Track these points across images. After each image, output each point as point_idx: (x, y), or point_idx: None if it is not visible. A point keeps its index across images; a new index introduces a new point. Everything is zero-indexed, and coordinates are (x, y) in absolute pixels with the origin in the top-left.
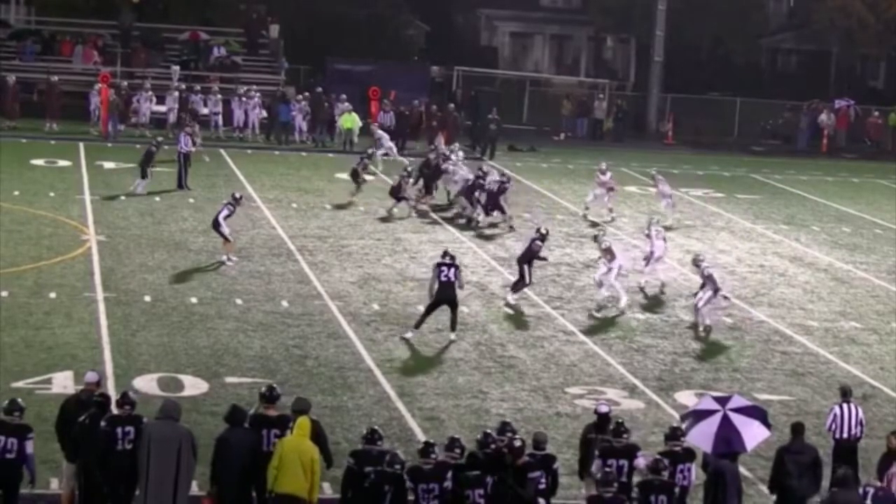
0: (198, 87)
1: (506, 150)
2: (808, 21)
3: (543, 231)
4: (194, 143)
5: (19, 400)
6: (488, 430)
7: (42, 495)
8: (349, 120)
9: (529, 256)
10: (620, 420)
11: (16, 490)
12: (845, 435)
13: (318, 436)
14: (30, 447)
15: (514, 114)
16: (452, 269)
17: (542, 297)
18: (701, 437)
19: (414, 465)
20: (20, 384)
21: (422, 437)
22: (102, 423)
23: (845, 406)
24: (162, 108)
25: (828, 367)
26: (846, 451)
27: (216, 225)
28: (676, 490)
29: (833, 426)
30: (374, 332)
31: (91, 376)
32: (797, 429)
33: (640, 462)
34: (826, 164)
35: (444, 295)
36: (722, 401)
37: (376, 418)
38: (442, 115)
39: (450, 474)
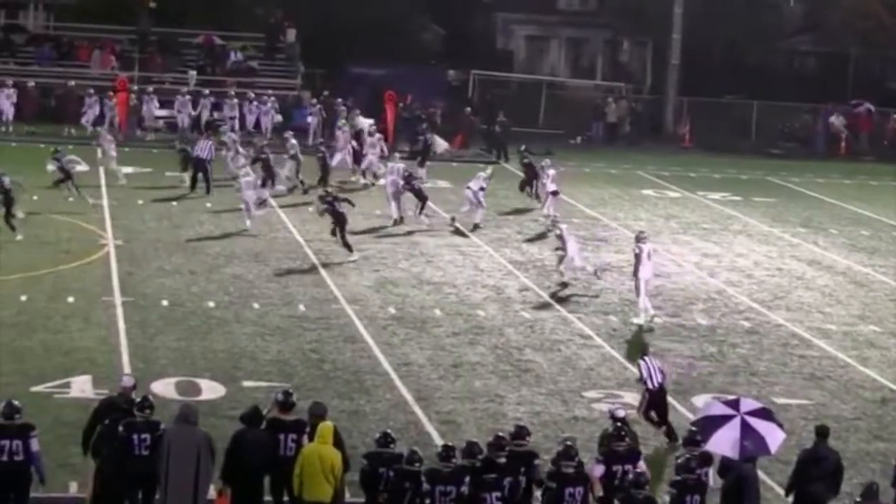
0: (206, 91)
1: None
2: (824, 23)
3: None
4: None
5: (15, 402)
6: (501, 434)
7: (60, 498)
8: (359, 124)
9: None
10: (620, 424)
11: (27, 492)
12: (656, 384)
13: (337, 443)
14: (35, 445)
15: (531, 117)
16: None
17: (559, 301)
18: (724, 444)
19: (432, 468)
20: (39, 388)
21: (439, 441)
22: (119, 429)
23: (647, 359)
24: (167, 113)
25: (846, 370)
26: (660, 399)
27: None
28: (708, 489)
29: (646, 377)
30: (391, 336)
31: (127, 381)
32: (822, 432)
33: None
34: (843, 166)
35: None
36: (733, 404)
37: (393, 422)
38: (457, 118)
39: (467, 479)
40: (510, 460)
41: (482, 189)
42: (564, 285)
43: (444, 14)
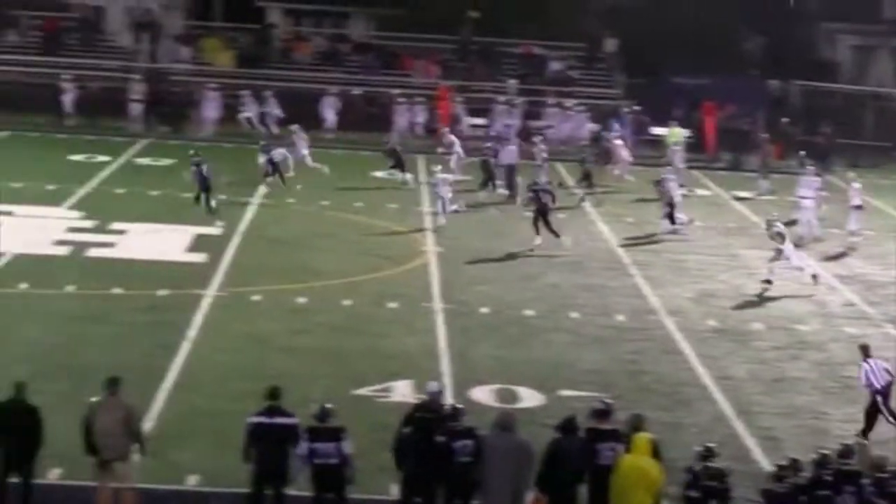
0: (516, 101)
1: (847, 167)
2: None
3: None
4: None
5: (328, 405)
6: (826, 451)
7: (380, 501)
8: (675, 134)
9: None
10: None
11: (343, 493)
12: (880, 385)
13: (656, 455)
14: (347, 447)
15: (857, 129)
16: None
17: (885, 317)
18: None
19: (767, 488)
20: (361, 391)
21: (759, 458)
22: (440, 437)
23: (870, 361)
24: (482, 121)
25: None
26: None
27: None
28: None
29: (870, 380)
30: (711, 349)
31: (433, 387)
32: None
33: None
34: None
35: None
36: None
37: (712, 436)
38: (774, 129)
39: (802, 498)
40: (836, 479)
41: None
42: (768, 283)
43: (765, 23)
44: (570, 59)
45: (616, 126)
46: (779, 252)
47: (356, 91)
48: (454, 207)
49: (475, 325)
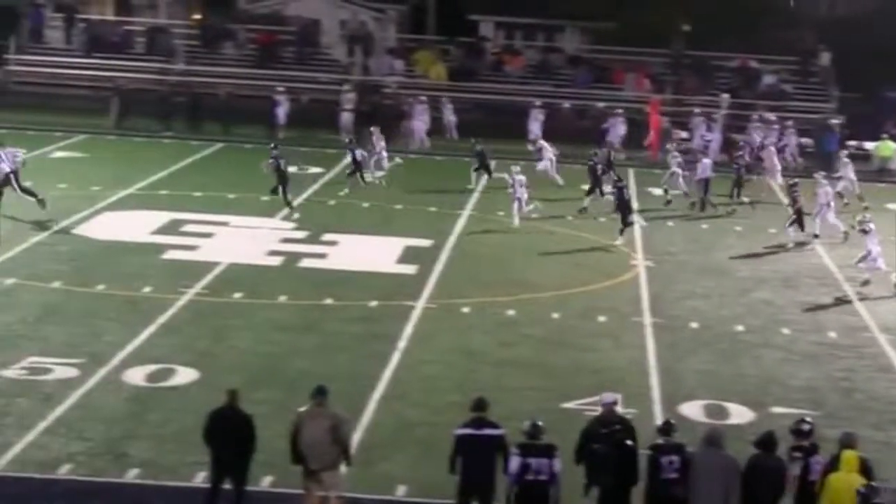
0: (716, 115)
1: None
2: None
3: None
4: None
5: (540, 422)
6: None
7: None
8: (886, 147)
9: None
10: None
11: None
12: None
13: (865, 472)
14: (557, 466)
15: None
16: None
17: None
18: None
19: None
20: (569, 405)
21: None
22: (648, 452)
23: None
24: (685, 135)
25: None
26: None
27: None
28: None
29: None
30: None
31: (608, 397)
32: None
33: None
34: None
35: None
36: None
37: None
38: None
39: None
40: None
41: None
42: (866, 283)
43: None
44: (783, 72)
45: (768, 138)
46: (869, 252)
47: (565, 104)
48: (530, 208)
49: (684, 340)
